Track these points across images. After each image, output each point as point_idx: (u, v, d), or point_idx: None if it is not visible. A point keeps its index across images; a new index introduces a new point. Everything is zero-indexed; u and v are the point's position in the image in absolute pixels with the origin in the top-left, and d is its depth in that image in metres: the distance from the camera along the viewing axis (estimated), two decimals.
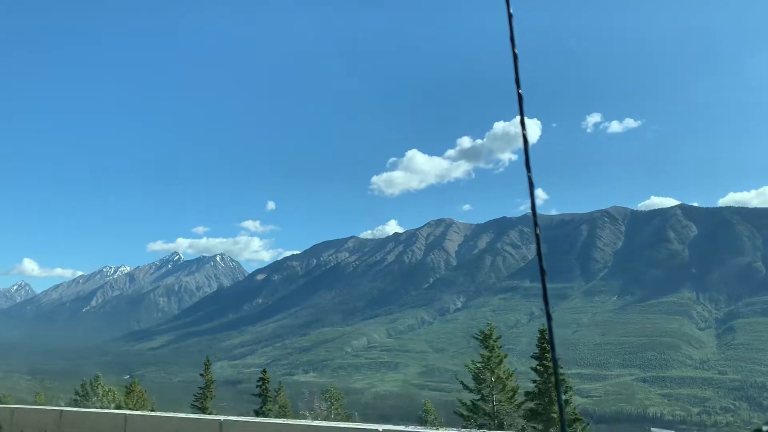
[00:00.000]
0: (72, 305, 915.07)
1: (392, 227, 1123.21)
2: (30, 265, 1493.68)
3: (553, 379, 41.06)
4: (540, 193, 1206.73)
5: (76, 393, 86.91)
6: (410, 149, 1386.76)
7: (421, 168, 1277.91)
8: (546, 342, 42.48)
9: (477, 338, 46.62)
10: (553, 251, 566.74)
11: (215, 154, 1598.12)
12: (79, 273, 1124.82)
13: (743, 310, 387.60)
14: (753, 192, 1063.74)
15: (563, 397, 33.62)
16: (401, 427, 13.27)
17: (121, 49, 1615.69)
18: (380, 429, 10.94)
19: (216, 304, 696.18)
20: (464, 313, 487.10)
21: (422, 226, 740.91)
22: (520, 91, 3.45)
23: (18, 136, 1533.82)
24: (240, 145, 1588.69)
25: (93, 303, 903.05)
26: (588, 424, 43.55)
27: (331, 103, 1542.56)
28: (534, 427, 41.44)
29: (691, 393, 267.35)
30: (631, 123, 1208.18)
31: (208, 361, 71.59)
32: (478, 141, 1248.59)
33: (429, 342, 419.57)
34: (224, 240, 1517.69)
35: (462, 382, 47.43)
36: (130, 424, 15.06)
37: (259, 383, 66.63)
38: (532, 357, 44.27)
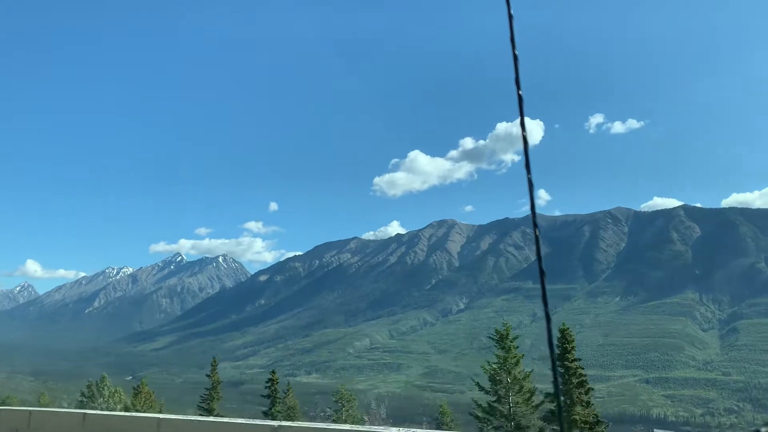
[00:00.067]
0: (75, 306, 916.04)
1: (394, 228, 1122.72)
2: (33, 267, 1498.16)
3: (573, 380, 40.59)
4: (543, 194, 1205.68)
5: (82, 394, 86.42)
6: (412, 150, 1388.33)
7: (424, 169, 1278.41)
8: (567, 342, 42.00)
9: (493, 338, 45.85)
10: (555, 252, 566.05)
11: (218, 155, 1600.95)
12: (82, 274, 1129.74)
13: (747, 311, 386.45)
14: (756, 193, 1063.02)
15: (585, 398, 32.95)
16: (420, 431, 12.85)
17: (122, 50, 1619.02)
18: None
19: (218, 305, 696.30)
20: (467, 314, 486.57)
21: (424, 227, 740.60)
22: (521, 92, 3.50)
23: (21, 137, 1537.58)
24: (243, 146, 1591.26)
25: (96, 304, 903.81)
26: (608, 425, 42.94)
27: (334, 103, 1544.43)
28: (554, 429, 40.88)
29: (695, 394, 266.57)
30: (633, 124, 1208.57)
31: (215, 361, 70.66)
32: (481, 142, 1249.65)
33: (431, 343, 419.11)
34: (227, 241, 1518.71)
35: (477, 383, 46.47)
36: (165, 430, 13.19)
37: (268, 384, 66.11)
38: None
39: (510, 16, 3.55)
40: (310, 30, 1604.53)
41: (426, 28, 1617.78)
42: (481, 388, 45.31)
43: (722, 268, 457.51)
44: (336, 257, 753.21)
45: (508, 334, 45.17)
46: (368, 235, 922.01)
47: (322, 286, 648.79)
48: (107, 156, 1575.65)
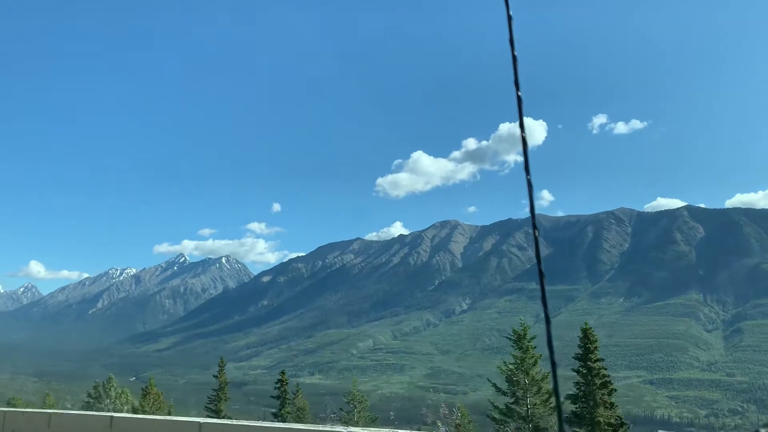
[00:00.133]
0: (78, 307, 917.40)
1: (397, 229, 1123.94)
2: (36, 268, 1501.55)
3: (596, 380, 39.93)
4: (546, 195, 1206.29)
5: (89, 395, 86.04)
6: (415, 151, 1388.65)
7: (426, 170, 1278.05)
8: (589, 342, 41.34)
9: (510, 338, 44.86)
10: (559, 253, 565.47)
11: (221, 156, 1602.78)
12: (85, 275, 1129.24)
13: (751, 311, 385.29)
14: (760, 193, 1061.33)
15: (608, 399, 32.17)
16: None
17: (123, 50, 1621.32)
18: None
19: (221, 306, 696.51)
20: (470, 315, 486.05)
21: (427, 228, 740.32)
22: (520, 93, 3.50)
23: (24, 139, 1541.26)
24: (246, 147, 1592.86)
25: (99, 305, 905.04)
26: (630, 426, 42.17)
27: (337, 104, 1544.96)
28: None
29: (699, 395, 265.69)
30: (637, 124, 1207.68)
31: (222, 361, 69.99)
32: (484, 143, 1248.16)
33: (435, 344, 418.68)
34: (230, 242, 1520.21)
35: (494, 384, 45.88)
36: None
37: (278, 385, 65.14)
38: (573, 358, 42.64)
39: (509, 18, 3.57)
40: (314, 30, 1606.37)
41: (429, 29, 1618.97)
42: (498, 389, 44.58)
43: (726, 268, 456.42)
44: (339, 258, 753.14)
45: (525, 334, 44.04)
46: (371, 236, 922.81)
47: (325, 286, 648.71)
48: (111, 157, 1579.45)
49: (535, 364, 42.98)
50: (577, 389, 40.98)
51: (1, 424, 17.19)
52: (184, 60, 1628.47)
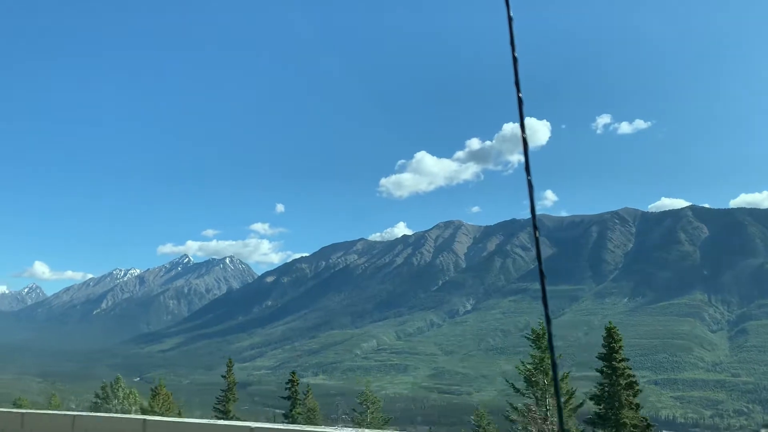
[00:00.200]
0: (82, 308, 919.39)
1: (401, 229, 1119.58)
2: (41, 268, 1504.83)
3: (621, 381, 39.21)
4: (550, 195, 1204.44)
5: (96, 395, 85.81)
6: (419, 151, 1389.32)
7: (430, 170, 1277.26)
8: (614, 341, 40.70)
9: (528, 338, 43.98)
10: (563, 253, 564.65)
11: (224, 157, 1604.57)
12: (90, 276, 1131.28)
13: (756, 311, 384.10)
14: (765, 193, 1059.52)
15: (634, 400, 31.52)
16: None
17: (125, 51, 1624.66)
18: None
19: (225, 306, 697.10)
20: (474, 315, 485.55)
21: (431, 228, 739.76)
22: (521, 94, 3.52)
23: (28, 139, 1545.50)
24: (249, 148, 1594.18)
25: (103, 305, 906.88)
26: (656, 427, 41.40)
27: (340, 105, 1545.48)
28: None
29: (704, 396, 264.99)
30: (641, 124, 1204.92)
31: (231, 362, 69.50)
32: (487, 143, 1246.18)
33: (438, 344, 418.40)
34: (234, 242, 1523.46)
35: (512, 384, 45.00)
36: None
37: (288, 385, 64.74)
38: (597, 358, 42.10)
39: (509, 19, 3.59)
40: (318, 30, 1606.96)
41: (433, 29, 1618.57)
42: (516, 390, 43.73)
43: (731, 268, 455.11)
44: (342, 258, 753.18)
45: (544, 333, 43.37)
46: (375, 237, 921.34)
47: (328, 287, 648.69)
48: (115, 158, 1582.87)
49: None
50: (601, 389, 40.14)
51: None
52: (188, 60, 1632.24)
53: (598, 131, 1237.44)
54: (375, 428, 61.77)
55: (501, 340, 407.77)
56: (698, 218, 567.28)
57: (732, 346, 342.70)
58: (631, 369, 41.25)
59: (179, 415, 72.30)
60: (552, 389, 41.09)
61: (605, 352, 41.08)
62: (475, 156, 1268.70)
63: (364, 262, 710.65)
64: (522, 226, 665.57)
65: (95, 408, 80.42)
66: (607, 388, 39.72)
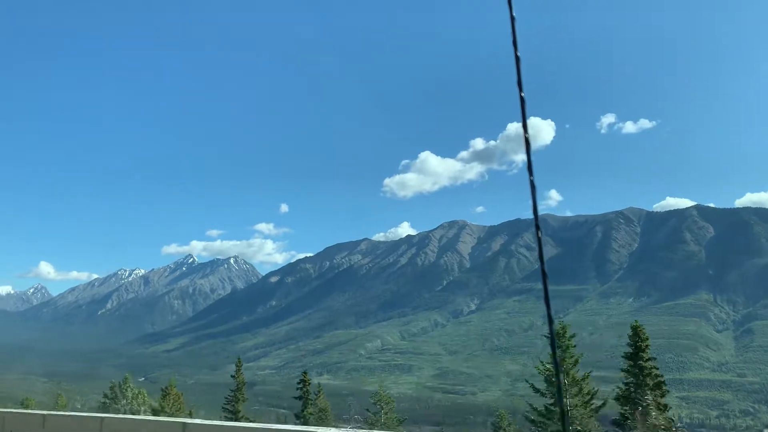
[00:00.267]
0: (87, 308, 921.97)
1: (405, 229, 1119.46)
2: (46, 269, 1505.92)
3: (648, 381, 38.30)
4: (554, 195, 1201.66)
5: (105, 395, 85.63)
6: (423, 151, 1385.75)
7: (434, 170, 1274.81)
8: (640, 340, 40.09)
9: (548, 337, 43.58)
10: (567, 253, 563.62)
11: (229, 158, 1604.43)
12: (95, 276, 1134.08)
13: (762, 311, 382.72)
14: None
15: (661, 401, 30.72)
16: None
17: (126, 51, 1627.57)
18: None
19: (230, 306, 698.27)
20: (478, 315, 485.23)
21: (435, 228, 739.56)
22: (523, 94, 3.53)
23: (33, 140, 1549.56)
24: (253, 148, 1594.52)
25: (108, 306, 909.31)
26: (684, 428, 40.34)
27: (344, 105, 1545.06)
28: None
29: (710, 396, 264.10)
30: (645, 123, 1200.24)
31: (240, 361, 69.05)
32: (492, 142, 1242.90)
33: (443, 344, 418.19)
34: (238, 242, 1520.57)
35: (532, 385, 44.26)
36: None
37: (300, 385, 64.29)
38: (622, 357, 41.30)
39: (512, 19, 3.60)
40: (320, 30, 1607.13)
41: (437, 28, 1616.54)
42: (536, 390, 43.07)
43: (736, 268, 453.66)
44: (347, 258, 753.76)
45: (565, 332, 42.59)
46: (379, 237, 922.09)
47: (332, 287, 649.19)
48: (120, 158, 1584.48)
49: (575, 363, 41.44)
50: (626, 389, 39.29)
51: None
52: (191, 60, 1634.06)
53: (603, 131, 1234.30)
54: (389, 429, 61.33)
55: (505, 340, 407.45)
56: (703, 218, 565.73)
57: (738, 346, 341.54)
58: (657, 368, 40.38)
59: (190, 415, 72.01)
60: (572, 389, 40.65)
61: (631, 351, 40.26)
62: (480, 156, 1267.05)
63: (368, 262, 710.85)
64: (526, 226, 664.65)
65: (104, 408, 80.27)
66: (633, 389, 38.83)
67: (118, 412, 75.17)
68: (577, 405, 39.85)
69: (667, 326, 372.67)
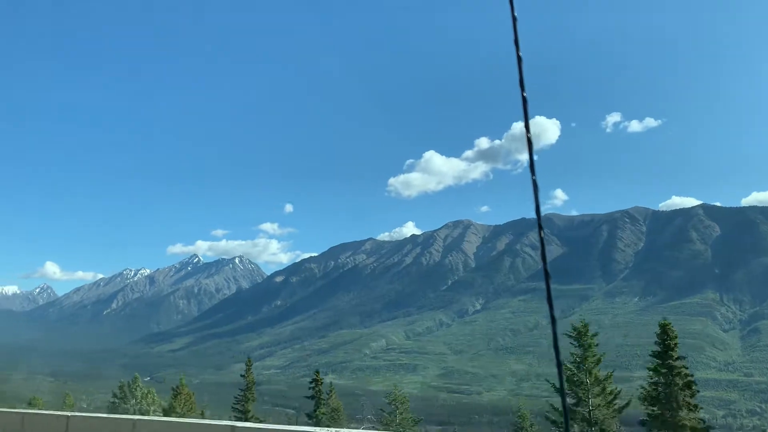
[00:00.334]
0: (93, 308, 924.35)
1: (409, 229, 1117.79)
2: (52, 268, 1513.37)
3: (678, 381, 37.21)
4: (560, 194, 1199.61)
5: (114, 395, 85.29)
6: (427, 150, 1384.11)
7: (439, 169, 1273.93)
8: (669, 338, 39.05)
9: (570, 335, 41.89)
10: (573, 252, 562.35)
11: (234, 158, 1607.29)
12: (100, 276, 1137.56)
13: None
14: None
15: (691, 401, 29.78)
16: None
17: (129, 51, 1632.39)
18: None
19: (235, 306, 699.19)
20: (483, 315, 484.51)
21: (440, 228, 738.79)
22: (525, 94, 3.53)
23: (38, 141, 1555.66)
24: (258, 148, 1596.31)
25: (113, 305, 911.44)
26: (715, 430, 39.06)
27: (348, 105, 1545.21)
28: None
29: (716, 396, 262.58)
30: (651, 122, 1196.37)
31: (250, 361, 68.35)
32: (497, 142, 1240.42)
33: (448, 344, 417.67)
34: (243, 242, 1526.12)
35: (553, 384, 42.13)
36: None
37: (312, 385, 63.79)
38: (650, 356, 40.14)
39: (514, 19, 3.60)
40: (325, 31, 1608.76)
41: (441, 28, 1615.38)
42: (556, 390, 40.41)
43: (743, 267, 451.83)
44: (351, 258, 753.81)
45: (586, 330, 41.44)
46: (383, 236, 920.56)
47: (337, 287, 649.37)
48: (125, 158, 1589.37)
49: (598, 363, 40.44)
50: (654, 389, 38.15)
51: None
52: (196, 59, 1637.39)
53: (608, 130, 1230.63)
54: (406, 429, 60.74)
55: (510, 340, 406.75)
56: (709, 217, 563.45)
57: (744, 346, 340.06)
58: (687, 368, 39.36)
59: (202, 414, 71.68)
60: (595, 389, 39.71)
61: (659, 350, 39.20)
62: (484, 155, 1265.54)
63: (372, 261, 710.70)
64: (531, 226, 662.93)
65: (113, 408, 79.86)
66: (661, 389, 37.69)
67: (127, 411, 74.93)
68: (599, 405, 38.84)
69: (673, 325, 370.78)
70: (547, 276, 3.76)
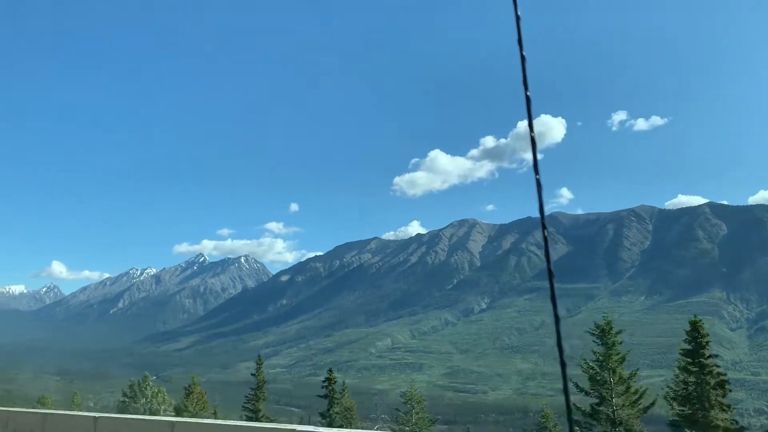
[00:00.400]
0: (99, 307, 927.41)
1: (415, 228, 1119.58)
2: (58, 268, 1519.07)
3: (710, 380, 35.58)
4: (565, 193, 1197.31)
5: (124, 394, 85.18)
6: (433, 149, 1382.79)
7: (444, 168, 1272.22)
8: (700, 336, 37.65)
9: (593, 333, 40.86)
10: (579, 251, 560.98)
11: (239, 157, 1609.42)
12: (106, 275, 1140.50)
13: None
14: None
15: (724, 401, 28.88)
16: None
17: (133, 50, 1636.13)
18: None
19: (241, 305, 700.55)
20: (489, 314, 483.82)
21: (445, 227, 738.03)
22: (528, 93, 3.53)
23: (43, 141, 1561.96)
24: (263, 147, 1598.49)
25: (120, 305, 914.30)
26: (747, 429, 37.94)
27: (353, 104, 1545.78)
28: None
29: None
30: (657, 120, 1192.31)
31: (260, 360, 67.52)
32: (502, 140, 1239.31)
33: (453, 343, 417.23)
34: (248, 242, 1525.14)
35: (576, 384, 41.23)
36: None
37: (325, 383, 62.50)
38: (680, 354, 38.74)
39: (517, 18, 3.62)
40: (329, 29, 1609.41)
41: (445, 27, 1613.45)
42: (580, 389, 40.56)
43: (750, 266, 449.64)
44: (356, 257, 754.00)
45: (610, 328, 40.26)
46: (388, 235, 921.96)
47: (343, 286, 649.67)
48: (130, 158, 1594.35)
49: (622, 361, 39.24)
50: (684, 389, 37.11)
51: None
52: (196, 59, 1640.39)
53: (614, 128, 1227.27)
54: (422, 429, 60.17)
55: (516, 339, 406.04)
56: (716, 215, 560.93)
57: (752, 345, 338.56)
58: (719, 366, 38.04)
59: (214, 414, 71.45)
60: (619, 388, 38.65)
61: (690, 347, 37.71)
62: (490, 154, 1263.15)
63: (378, 260, 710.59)
64: (537, 224, 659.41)
65: (123, 407, 79.74)
66: (692, 388, 36.53)
67: (137, 411, 74.81)
68: (623, 405, 37.73)
69: (679, 325, 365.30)
70: (550, 275, 3.76)
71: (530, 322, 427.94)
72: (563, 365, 3.40)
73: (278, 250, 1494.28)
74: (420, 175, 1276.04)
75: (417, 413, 61.87)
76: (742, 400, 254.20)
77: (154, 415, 71.54)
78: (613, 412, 37.63)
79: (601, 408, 38.35)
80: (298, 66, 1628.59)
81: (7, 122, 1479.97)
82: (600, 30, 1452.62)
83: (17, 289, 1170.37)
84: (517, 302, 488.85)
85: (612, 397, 38.00)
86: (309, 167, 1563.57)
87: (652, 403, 39.59)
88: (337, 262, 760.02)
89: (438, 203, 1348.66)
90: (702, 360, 36.67)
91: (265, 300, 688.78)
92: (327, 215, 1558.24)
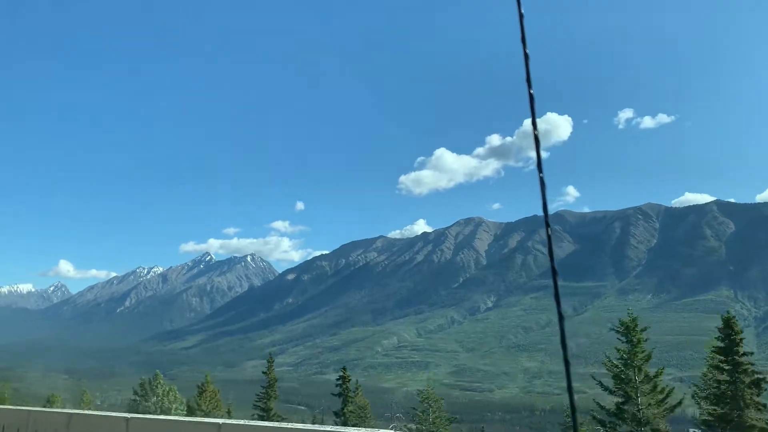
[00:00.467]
0: (106, 306, 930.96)
1: (421, 227, 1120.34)
2: (66, 267, 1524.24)
3: (744, 378, 35.14)
4: (572, 191, 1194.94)
5: (135, 392, 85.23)
6: (438, 148, 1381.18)
7: (450, 167, 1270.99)
8: (733, 333, 36.60)
9: (617, 330, 39.64)
10: (585, 249, 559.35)
11: (245, 156, 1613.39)
12: (114, 274, 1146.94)
13: None
14: None
15: (758, 400, 28.11)
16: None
17: (133, 50, 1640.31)
18: None
19: (247, 303, 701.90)
20: (495, 312, 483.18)
21: (451, 226, 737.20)
22: (532, 91, 3.54)
23: (52, 140, 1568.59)
24: (269, 147, 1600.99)
25: (127, 303, 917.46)
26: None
27: (359, 103, 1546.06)
28: None
29: None
30: (664, 118, 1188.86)
31: (271, 358, 67.21)
32: (508, 139, 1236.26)
33: (459, 341, 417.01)
34: (254, 240, 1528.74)
35: (600, 382, 40.40)
36: None
37: (339, 382, 61.37)
38: (713, 351, 37.98)
39: (520, 17, 3.64)
40: (336, 28, 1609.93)
41: (451, 26, 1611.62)
42: (604, 388, 39.60)
43: (757, 264, 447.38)
44: (362, 256, 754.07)
45: (635, 325, 38.80)
46: (394, 234, 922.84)
47: (349, 284, 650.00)
48: (137, 158, 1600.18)
49: (648, 359, 37.98)
50: (717, 387, 36.08)
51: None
52: (197, 59, 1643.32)
53: (621, 126, 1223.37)
54: (440, 429, 59.88)
55: (522, 337, 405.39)
56: (723, 213, 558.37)
57: (759, 343, 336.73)
58: (753, 364, 36.60)
59: (228, 413, 71.32)
60: (644, 387, 37.65)
61: (722, 345, 36.53)
62: (496, 152, 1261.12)
63: (384, 259, 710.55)
64: (543, 223, 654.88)
65: (134, 405, 79.73)
66: (726, 387, 35.40)
67: (148, 409, 74.73)
68: (649, 404, 36.60)
69: (686, 323, 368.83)
70: (554, 273, 3.77)
71: (536, 321, 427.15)
72: (567, 363, 3.46)
73: (284, 249, 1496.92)
74: (426, 174, 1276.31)
75: (434, 412, 61.03)
76: None
77: (166, 414, 71.52)
78: (638, 411, 36.61)
79: (626, 407, 37.25)
80: (303, 65, 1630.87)
81: (9, 122, 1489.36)
82: (606, 28, 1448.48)
83: (25, 287, 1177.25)
84: (524, 300, 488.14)
85: (637, 396, 36.93)
86: (315, 166, 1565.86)
87: (680, 402, 38.48)
88: (343, 260, 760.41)
89: (444, 202, 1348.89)
90: (736, 357, 35.50)
91: (272, 298, 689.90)
92: (333, 214, 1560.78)
